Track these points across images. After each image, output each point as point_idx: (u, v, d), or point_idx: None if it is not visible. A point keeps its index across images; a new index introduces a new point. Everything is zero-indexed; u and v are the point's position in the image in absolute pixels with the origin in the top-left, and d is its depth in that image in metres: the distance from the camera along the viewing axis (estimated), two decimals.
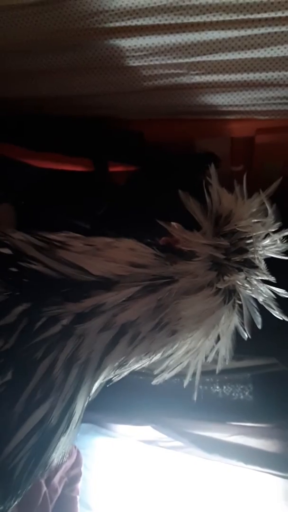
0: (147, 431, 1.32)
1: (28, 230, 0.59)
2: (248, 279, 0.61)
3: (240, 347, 1.16)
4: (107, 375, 0.55)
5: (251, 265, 0.61)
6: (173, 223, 0.67)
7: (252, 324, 0.99)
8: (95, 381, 0.54)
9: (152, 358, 0.58)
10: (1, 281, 0.50)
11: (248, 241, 0.61)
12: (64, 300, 0.51)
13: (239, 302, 0.62)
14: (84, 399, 0.53)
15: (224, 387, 1.33)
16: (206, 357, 0.62)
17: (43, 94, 1.04)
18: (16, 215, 1.20)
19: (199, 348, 0.60)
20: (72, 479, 1.22)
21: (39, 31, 0.91)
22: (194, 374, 0.62)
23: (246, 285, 0.61)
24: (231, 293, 0.60)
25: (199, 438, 1.28)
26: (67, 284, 0.52)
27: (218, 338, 0.62)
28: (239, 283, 0.60)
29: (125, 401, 1.31)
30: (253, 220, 0.62)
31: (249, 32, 0.81)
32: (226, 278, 0.59)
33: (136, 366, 0.58)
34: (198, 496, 1.30)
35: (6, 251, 0.54)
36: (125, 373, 0.58)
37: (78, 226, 1.07)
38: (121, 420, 1.34)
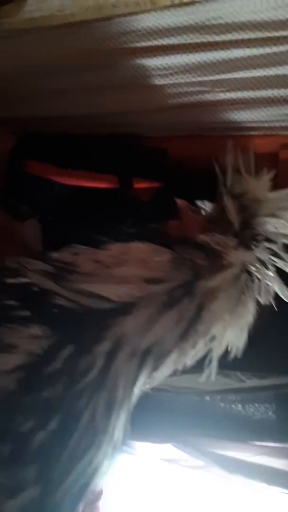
0: (167, 449, 1.30)
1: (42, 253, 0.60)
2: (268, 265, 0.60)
3: (263, 365, 1.15)
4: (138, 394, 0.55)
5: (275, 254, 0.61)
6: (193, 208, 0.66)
7: (276, 344, 0.99)
8: (130, 407, 0.54)
9: (181, 366, 0.58)
10: (46, 322, 0.50)
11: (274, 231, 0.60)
12: (96, 338, 0.51)
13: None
14: (123, 428, 0.53)
15: (247, 406, 1.31)
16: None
17: (71, 112, 1.06)
18: (42, 231, 1.22)
19: (221, 337, 0.59)
20: (93, 497, 1.20)
21: (67, 52, 0.94)
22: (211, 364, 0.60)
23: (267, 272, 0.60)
24: (248, 281, 0.60)
25: (221, 457, 1.26)
26: (90, 316, 0.52)
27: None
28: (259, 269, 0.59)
29: (146, 419, 1.29)
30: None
31: (274, 49, 0.82)
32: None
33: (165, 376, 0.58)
34: None
35: (24, 280, 0.54)
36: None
37: (103, 241, 1.08)
38: (142, 438, 1.33)
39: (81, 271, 0.57)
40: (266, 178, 0.66)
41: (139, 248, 0.62)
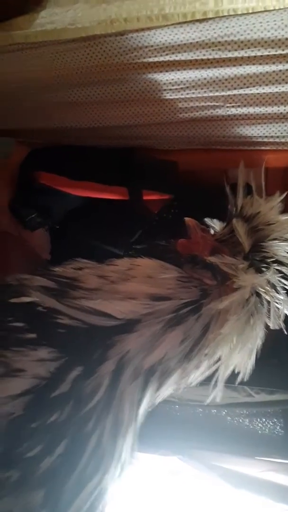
0: (173, 462, 1.29)
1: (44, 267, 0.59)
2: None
3: (271, 380, 1.14)
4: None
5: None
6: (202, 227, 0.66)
7: (285, 359, 0.97)
8: (136, 428, 0.53)
9: (183, 386, 0.57)
10: (53, 343, 0.48)
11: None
12: (102, 356, 0.50)
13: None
14: (130, 450, 0.52)
15: (254, 420, 1.30)
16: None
17: (82, 125, 1.07)
18: (50, 240, 1.23)
19: (227, 360, 0.58)
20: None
21: (79, 66, 0.95)
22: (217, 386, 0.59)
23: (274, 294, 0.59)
24: (258, 304, 0.59)
25: (227, 472, 1.25)
26: (94, 334, 0.51)
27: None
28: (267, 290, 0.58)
29: (152, 431, 1.29)
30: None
31: (286, 66, 0.82)
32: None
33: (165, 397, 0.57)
34: None
35: (29, 299, 0.52)
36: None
37: (112, 252, 1.09)
38: (147, 450, 1.32)
39: (84, 287, 0.55)
40: (277, 199, 0.65)
41: (146, 264, 0.61)
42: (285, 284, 0.59)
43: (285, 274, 0.60)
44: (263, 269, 0.59)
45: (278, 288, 0.59)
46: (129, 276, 0.58)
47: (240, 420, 1.29)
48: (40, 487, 0.43)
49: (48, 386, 0.46)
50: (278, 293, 0.59)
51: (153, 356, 0.52)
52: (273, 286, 0.59)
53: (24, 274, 0.57)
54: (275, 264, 0.60)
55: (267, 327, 0.60)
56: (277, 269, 0.60)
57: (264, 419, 1.28)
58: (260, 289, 0.58)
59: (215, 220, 0.68)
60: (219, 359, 0.58)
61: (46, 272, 0.58)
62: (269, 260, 0.60)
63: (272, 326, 0.59)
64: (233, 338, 0.57)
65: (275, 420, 1.27)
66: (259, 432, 1.28)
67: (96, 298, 0.54)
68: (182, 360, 0.55)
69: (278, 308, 0.58)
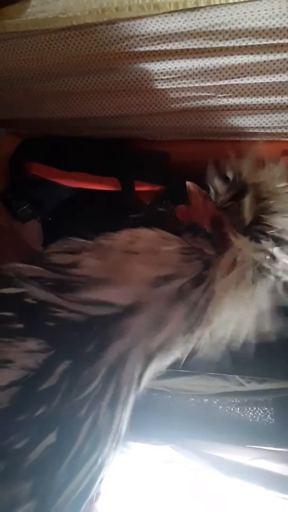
0: (166, 451, 1.30)
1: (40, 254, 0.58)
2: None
3: (262, 369, 1.15)
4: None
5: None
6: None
7: (275, 349, 0.98)
8: (134, 398, 0.53)
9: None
10: (42, 335, 0.48)
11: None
12: (100, 347, 0.50)
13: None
14: (127, 419, 0.53)
15: (245, 409, 1.32)
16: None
17: (74, 115, 1.06)
18: (42, 232, 1.22)
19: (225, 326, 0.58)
20: (91, 497, 1.21)
21: (71, 55, 0.95)
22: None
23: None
24: (259, 272, 0.59)
25: (219, 460, 1.26)
26: (94, 323, 0.51)
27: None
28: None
29: (145, 420, 1.30)
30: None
31: (277, 56, 0.82)
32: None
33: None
34: None
35: (20, 290, 0.52)
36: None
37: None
38: (140, 439, 1.33)
39: (83, 274, 0.55)
40: (281, 169, 0.63)
41: (147, 235, 0.60)
42: (283, 256, 0.59)
43: (283, 247, 0.60)
44: (263, 241, 0.59)
45: (278, 259, 0.59)
46: (131, 253, 0.57)
47: (232, 409, 1.31)
48: (28, 478, 0.43)
49: (35, 378, 0.45)
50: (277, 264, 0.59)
51: (161, 335, 0.53)
52: (273, 257, 0.59)
53: (19, 263, 0.56)
54: (275, 236, 0.59)
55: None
56: (276, 241, 0.60)
57: (255, 408, 1.30)
58: (259, 260, 0.58)
59: (216, 181, 0.67)
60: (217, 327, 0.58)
61: (42, 260, 0.57)
62: (269, 232, 0.60)
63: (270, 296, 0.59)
64: (233, 307, 0.57)
65: (266, 408, 1.29)
66: (250, 420, 1.30)
67: (96, 286, 0.53)
68: (186, 331, 0.55)
69: (278, 277, 0.58)
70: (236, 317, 0.58)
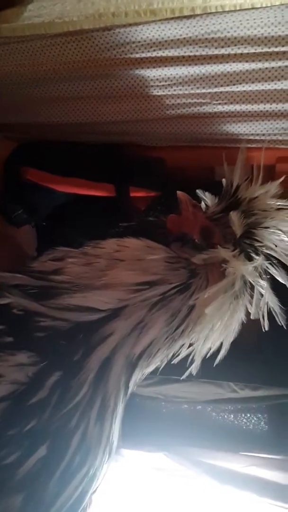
0: (159, 459, 1.29)
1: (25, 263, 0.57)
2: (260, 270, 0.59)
3: (255, 376, 1.15)
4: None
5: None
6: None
7: (268, 355, 0.98)
8: (122, 408, 0.53)
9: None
10: (31, 347, 0.47)
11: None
12: (86, 354, 0.49)
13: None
14: (118, 430, 0.52)
15: (239, 416, 1.31)
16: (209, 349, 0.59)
17: (69, 120, 1.07)
18: (36, 237, 1.22)
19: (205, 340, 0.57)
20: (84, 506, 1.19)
21: (67, 60, 0.95)
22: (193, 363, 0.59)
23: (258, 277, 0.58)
24: (243, 289, 0.58)
25: (212, 467, 1.26)
26: (80, 330, 0.50)
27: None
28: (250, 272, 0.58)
29: (138, 428, 1.29)
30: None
31: (272, 64, 0.83)
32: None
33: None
34: None
35: (5, 301, 0.50)
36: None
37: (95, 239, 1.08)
38: (133, 447, 1.32)
39: (66, 281, 0.54)
40: (274, 186, 0.63)
41: (134, 245, 0.59)
42: (273, 273, 0.59)
43: (273, 263, 0.59)
44: (253, 255, 0.59)
45: (263, 276, 0.59)
46: (117, 260, 0.57)
47: (225, 416, 1.30)
48: (18, 491, 0.42)
49: (26, 392, 0.45)
50: (262, 280, 0.58)
51: (143, 342, 0.52)
52: (259, 274, 0.59)
53: (2, 272, 0.55)
54: (264, 252, 0.59)
55: (252, 322, 0.61)
56: (266, 257, 0.59)
57: (248, 415, 1.29)
58: (247, 276, 0.58)
59: (207, 194, 0.66)
60: (199, 339, 0.58)
61: (25, 268, 0.56)
62: (258, 247, 0.59)
63: (252, 315, 0.59)
64: (215, 319, 0.56)
65: (259, 415, 1.29)
66: (244, 427, 1.29)
67: (79, 291, 0.53)
68: (168, 340, 0.54)
69: (261, 295, 0.58)
70: (220, 325, 0.58)
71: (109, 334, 0.51)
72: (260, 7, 0.75)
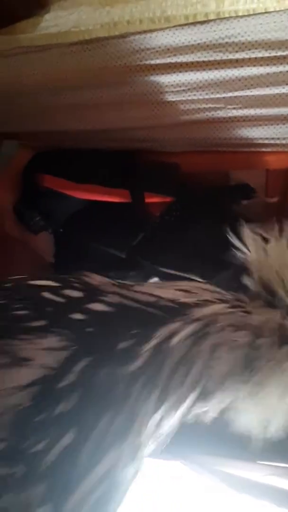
0: (175, 466, 1.28)
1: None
2: None
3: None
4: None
5: None
6: None
7: None
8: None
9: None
10: (67, 332, 0.46)
11: None
12: (135, 341, 0.48)
13: None
14: (150, 436, 0.50)
15: None
16: None
17: (85, 127, 1.08)
18: (53, 243, 1.23)
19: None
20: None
21: (83, 68, 0.96)
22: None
23: None
24: None
25: (229, 476, 1.24)
26: (142, 315, 0.50)
27: None
28: None
29: None
30: None
31: (285, 68, 0.83)
32: None
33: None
34: None
35: (75, 293, 0.51)
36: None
37: (114, 255, 1.09)
38: (151, 454, 1.31)
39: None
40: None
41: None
42: None
43: None
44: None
45: None
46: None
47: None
48: (42, 480, 0.41)
49: (55, 377, 0.44)
50: None
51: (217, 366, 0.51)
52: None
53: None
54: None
55: None
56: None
57: None
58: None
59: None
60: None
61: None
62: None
63: None
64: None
65: None
66: (262, 436, 1.27)
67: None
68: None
69: None
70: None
71: (164, 329, 0.49)
72: (273, 11, 0.75)
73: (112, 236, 1.12)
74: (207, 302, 0.55)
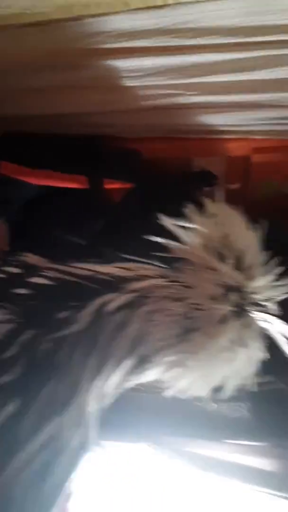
0: (141, 449, 1.30)
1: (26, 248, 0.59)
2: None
3: None
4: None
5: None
6: None
7: None
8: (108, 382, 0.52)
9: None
10: (10, 306, 0.48)
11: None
12: (74, 311, 0.50)
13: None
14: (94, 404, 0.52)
15: (221, 404, 1.32)
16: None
17: (40, 112, 1.05)
18: (9, 231, 1.20)
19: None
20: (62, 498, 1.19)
21: (38, 51, 0.92)
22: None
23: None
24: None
25: (195, 456, 1.27)
26: (80, 288, 0.51)
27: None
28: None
29: (119, 418, 1.29)
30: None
31: (244, 55, 0.83)
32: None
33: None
34: None
35: (15, 270, 0.53)
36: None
37: (73, 242, 1.08)
38: (114, 437, 1.33)
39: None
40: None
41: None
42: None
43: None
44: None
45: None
46: None
47: (208, 405, 1.31)
48: None
49: None
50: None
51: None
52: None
53: None
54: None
55: None
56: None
57: (231, 403, 1.30)
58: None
59: None
60: None
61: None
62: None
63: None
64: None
65: (242, 403, 1.30)
66: (227, 415, 1.30)
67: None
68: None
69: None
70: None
71: (99, 299, 0.51)
72: None
73: (72, 223, 1.10)
74: (145, 277, 0.57)
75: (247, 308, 0.57)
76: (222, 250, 0.58)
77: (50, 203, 1.11)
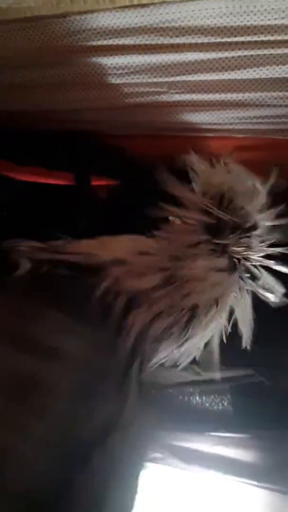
0: None
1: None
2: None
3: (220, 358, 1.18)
4: None
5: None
6: None
7: (231, 337, 1.01)
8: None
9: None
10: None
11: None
12: None
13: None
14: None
15: (204, 397, 1.34)
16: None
17: (26, 108, 1.05)
18: None
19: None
20: None
21: (22, 47, 0.93)
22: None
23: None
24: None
25: (178, 449, 1.29)
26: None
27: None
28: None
29: None
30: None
31: (226, 54, 0.84)
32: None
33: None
34: (177, 508, 1.30)
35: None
36: None
37: (60, 238, 1.08)
38: None
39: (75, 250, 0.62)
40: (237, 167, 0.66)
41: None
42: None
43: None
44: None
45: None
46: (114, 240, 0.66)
47: (191, 398, 1.33)
48: None
49: None
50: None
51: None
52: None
53: None
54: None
55: None
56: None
57: (213, 396, 1.32)
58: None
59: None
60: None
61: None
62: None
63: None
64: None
65: (223, 396, 1.32)
66: (209, 408, 1.32)
67: None
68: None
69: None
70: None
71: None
72: None
73: (58, 219, 1.10)
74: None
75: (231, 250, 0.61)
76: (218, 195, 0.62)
77: (36, 199, 1.11)
